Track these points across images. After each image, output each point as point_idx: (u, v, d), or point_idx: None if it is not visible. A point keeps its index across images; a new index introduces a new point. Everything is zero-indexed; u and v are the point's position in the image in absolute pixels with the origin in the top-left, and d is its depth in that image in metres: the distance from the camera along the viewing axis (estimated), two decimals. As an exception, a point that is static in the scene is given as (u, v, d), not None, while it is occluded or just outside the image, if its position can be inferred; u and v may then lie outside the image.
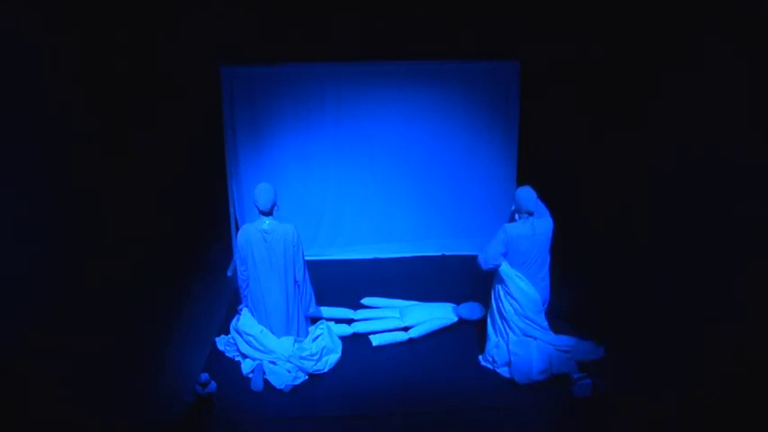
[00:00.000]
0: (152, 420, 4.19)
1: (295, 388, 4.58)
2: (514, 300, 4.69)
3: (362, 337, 5.28)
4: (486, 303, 5.18)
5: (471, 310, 5.56)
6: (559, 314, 5.51)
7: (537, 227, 4.64)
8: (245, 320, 4.92)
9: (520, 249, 4.63)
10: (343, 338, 5.20)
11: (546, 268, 4.76)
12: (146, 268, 6.63)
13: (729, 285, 5.27)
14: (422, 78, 6.81)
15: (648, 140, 6.59)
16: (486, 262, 4.69)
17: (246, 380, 4.66)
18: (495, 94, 6.86)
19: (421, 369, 4.83)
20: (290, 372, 4.65)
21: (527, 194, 4.66)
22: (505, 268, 4.68)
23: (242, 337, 4.88)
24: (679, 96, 6.07)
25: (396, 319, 5.49)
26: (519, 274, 4.66)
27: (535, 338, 4.71)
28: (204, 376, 4.30)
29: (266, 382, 4.60)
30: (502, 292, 4.76)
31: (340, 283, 6.36)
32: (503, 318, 4.79)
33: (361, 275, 6.68)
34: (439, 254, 7.26)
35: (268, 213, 4.71)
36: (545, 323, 4.80)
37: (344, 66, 6.73)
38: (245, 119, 6.77)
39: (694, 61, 5.84)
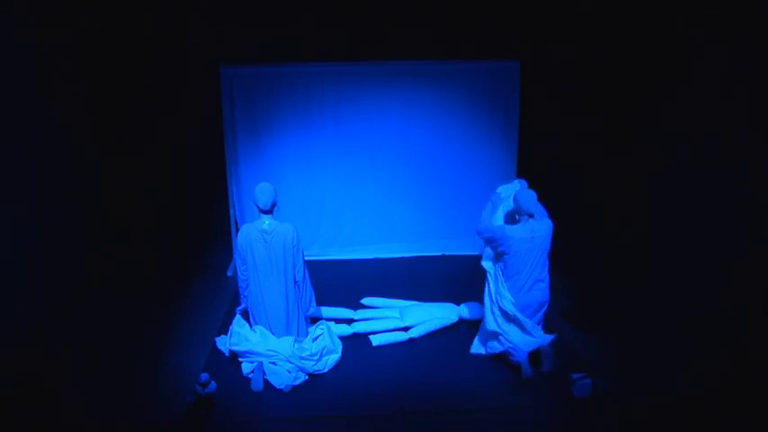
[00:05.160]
0: (152, 420, 4.19)
1: (295, 388, 4.57)
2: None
3: (362, 337, 5.28)
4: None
5: (471, 310, 5.56)
6: (559, 314, 5.53)
7: (536, 230, 4.64)
8: (237, 339, 4.87)
9: (520, 252, 4.63)
10: (343, 338, 5.20)
11: (546, 270, 4.76)
12: (146, 268, 6.63)
13: (729, 286, 5.27)
14: (422, 78, 6.82)
15: (649, 140, 6.59)
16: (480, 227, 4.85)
17: (246, 380, 4.65)
18: (495, 94, 6.87)
19: (421, 369, 4.83)
20: (290, 372, 4.64)
21: (527, 196, 4.65)
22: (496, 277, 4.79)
23: (243, 357, 4.82)
24: (679, 96, 6.06)
25: (396, 319, 5.49)
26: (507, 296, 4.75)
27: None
28: (204, 376, 4.30)
29: (266, 382, 4.60)
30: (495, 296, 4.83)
31: (340, 283, 6.37)
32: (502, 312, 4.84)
33: (361, 275, 6.68)
34: (439, 254, 7.27)
35: (268, 212, 4.72)
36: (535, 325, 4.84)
37: (344, 66, 6.73)
38: (245, 119, 6.77)
39: (694, 61, 5.83)
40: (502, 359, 4.83)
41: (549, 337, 4.78)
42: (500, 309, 4.77)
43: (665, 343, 5.10)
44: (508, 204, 4.91)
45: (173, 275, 6.57)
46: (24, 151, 5.15)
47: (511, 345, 4.73)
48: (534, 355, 4.75)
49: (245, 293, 4.96)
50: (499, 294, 4.77)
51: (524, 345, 4.70)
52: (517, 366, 4.69)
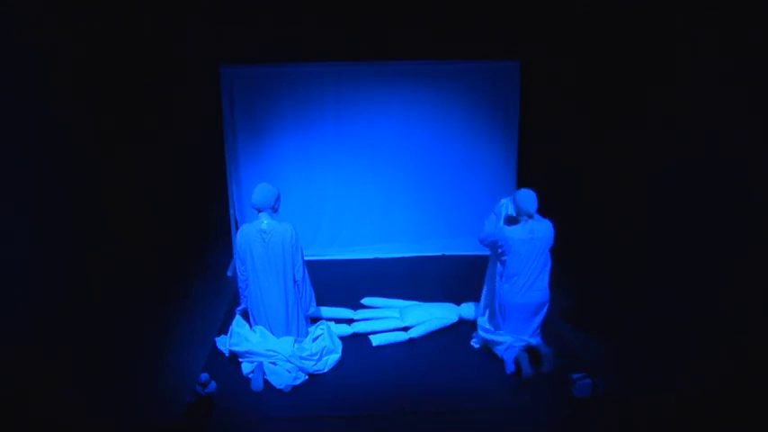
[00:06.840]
0: (152, 420, 4.19)
1: (295, 388, 4.57)
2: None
3: (362, 337, 5.27)
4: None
5: (471, 310, 5.56)
6: (559, 314, 5.53)
7: (536, 231, 4.64)
8: (237, 339, 4.87)
9: (519, 253, 4.63)
10: (343, 338, 5.19)
11: (546, 272, 4.75)
12: (146, 268, 6.63)
13: (729, 286, 5.27)
14: (422, 78, 6.82)
15: (648, 141, 6.59)
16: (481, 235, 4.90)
17: (246, 380, 4.65)
18: (495, 94, 6.87)
19: (421, 369, 4.83)
20: (290, 372, 4.64)
21: (527, 197, 4.65)
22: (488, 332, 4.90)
23: (243, 357, 4.82)
24: (680, 96, 6.06)
25: (396, 319, 5.49)
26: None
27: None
28: (204, 376, 4.30)
29: (266, 382, 4.60)
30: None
31: (340, 283, 6.37)
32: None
33: (361, 275, 6.68)
34: (439, 254, 7.27)
35: (260, 210, 4.73)
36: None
37: (344, 66, 6.73)
38: (245, 119, 6.77)
39: (694, 61, 5.83)
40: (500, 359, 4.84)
41: (525, 340, 4.80)
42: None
43: (665, 343, 5.10)
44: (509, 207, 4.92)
45: (173, 275, 6.57)
46: (24, 151, 5.15)
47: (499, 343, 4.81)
48: (534, 355, 4.74)
49: (245, 294, 4.96)
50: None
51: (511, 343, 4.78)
52: (518, 366, 4.69)
